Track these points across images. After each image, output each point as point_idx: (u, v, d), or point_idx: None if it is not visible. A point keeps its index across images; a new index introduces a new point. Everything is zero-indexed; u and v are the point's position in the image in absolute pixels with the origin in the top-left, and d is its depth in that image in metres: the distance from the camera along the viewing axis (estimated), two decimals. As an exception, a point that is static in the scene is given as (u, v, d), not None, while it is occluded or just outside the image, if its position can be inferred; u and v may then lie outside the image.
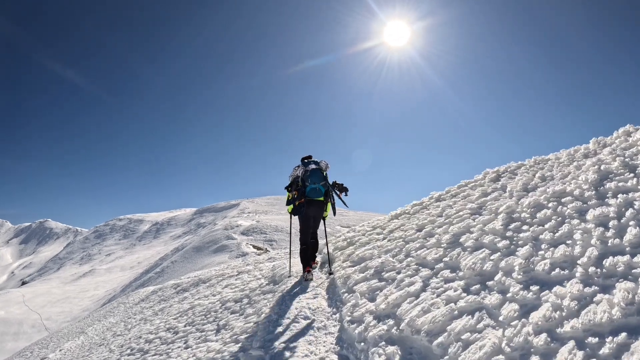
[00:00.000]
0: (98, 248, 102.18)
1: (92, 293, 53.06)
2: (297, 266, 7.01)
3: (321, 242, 7.51)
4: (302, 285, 6.02)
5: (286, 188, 6.41)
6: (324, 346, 4.10)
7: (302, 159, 6.74)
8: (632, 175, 4.87)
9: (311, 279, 6.20)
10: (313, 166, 6.45)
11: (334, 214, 6.64)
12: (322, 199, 6.36)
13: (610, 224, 4.00)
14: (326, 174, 6.57)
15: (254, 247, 17.78)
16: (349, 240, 7.20)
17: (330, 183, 6.56)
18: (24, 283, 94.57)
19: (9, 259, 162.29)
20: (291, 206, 6.39)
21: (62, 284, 64.41)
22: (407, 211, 7.47)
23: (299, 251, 6.64)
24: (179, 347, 5.28)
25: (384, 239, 6.35)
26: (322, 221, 6.74)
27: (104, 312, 12.27)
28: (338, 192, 6.58)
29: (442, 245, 5.10)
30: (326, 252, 6.79)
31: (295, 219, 6.58)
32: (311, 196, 6.20)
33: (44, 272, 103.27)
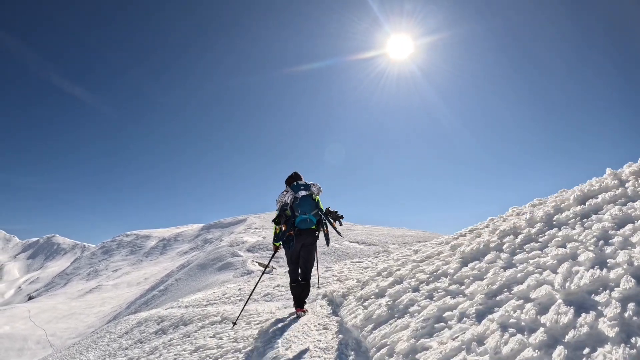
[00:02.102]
0: (105, 264, 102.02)
1: (98, 309, 52.73)
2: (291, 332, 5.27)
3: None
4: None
5: (273, 221, 5.47)
6: None
7: (289, 180, 5.89)
8: None
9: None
10: (303, 192, 5.58)
11: (327, 244, 5.70)
12: (314, 227, 5.58)
13: None
14: (318, 199, 5.72)
15: (260, 264, 17.45)
16: (388, 300, 4.09)
17: (324, 210, 5.72)
18: (30, 298, 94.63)
19: (16, 274, 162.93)
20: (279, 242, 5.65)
21: (68, 300, 64.16)
22: (492, 244, 4.15)
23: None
24: None
25: (477, 315, 3.01)
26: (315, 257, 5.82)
27: (89, 341, 12.16)
28: (332, 221, 5.69)
29: None
30: (345, 324, 4.42)
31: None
32: (301, 227, 5.43)
33: (50, 288, 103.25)
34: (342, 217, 5.72)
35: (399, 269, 5.22)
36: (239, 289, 11.34)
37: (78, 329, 43.33)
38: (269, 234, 30.83)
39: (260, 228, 39.85)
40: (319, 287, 6.69)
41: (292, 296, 5.85)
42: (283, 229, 5.33)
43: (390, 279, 4.87)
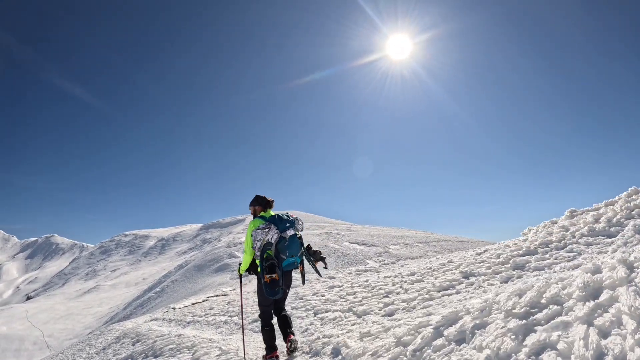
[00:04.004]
0: (103, 264, 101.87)
1: (95, 310, 52.50)
2: None
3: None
4: None
5: (263, 271, 4.43)
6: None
7: (262, 205, 4.83)
8: None
9: None
10: (291, 232, 4.63)
11: (303, 282, 4.88)
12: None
13: None
14: (301, 236, 4.87)
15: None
16: None
17: (305, 247, 4.91)
18: (28, 298, 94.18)
19: (14, 274, 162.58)
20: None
21: (66, 300, 63.90)
22: None
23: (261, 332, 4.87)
24: None
25: None
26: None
27: (70, 353, 11.84)
28: (313, 261, 4.95)
29: None
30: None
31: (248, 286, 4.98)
32: (286, 269, 4.62)
33: (49, 288, 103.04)
34: (325, 258, 5.02)
35: (486, 331, 3.00)
36: (228, 303, 10.33)
37: (75, 330, 43.03)
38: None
39: (259, 228, 39.42)
40: (316, 322, 5.51)
41: (265, 342, 4.82)
42: (276, 279, 4.36)
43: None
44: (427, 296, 5.53)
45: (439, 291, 5.58)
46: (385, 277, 8.40)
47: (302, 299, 8.31)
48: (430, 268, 7.72)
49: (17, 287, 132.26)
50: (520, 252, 5.80)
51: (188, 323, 9.66)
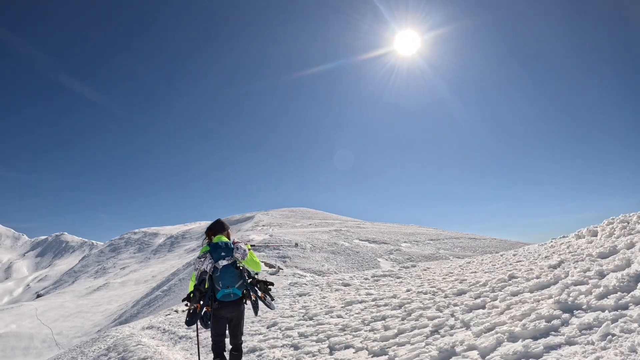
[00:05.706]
0: (113, 261, 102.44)
1: (105, 307, 52.63)
2: None
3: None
4: None
5: (186, 299, 4.37)
6: None
7: (210, 232, 4.72)
8: None
9: None
10: (224, 262, 4.36)
11: (255, 314, 4.70)
12: (239, 298, 4.50)
13: None
14: (243, 266, 4.53)
15: (266, 264, 16.60)
16: None
17: (251, 278, 4.62)
18: (38, 296, 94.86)
19: (24, 272, 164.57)
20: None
21: (76, 298, 64.18)
22: None
23: None
24: None
25: None
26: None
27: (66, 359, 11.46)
28: (260, 294, 4.66)
29: None
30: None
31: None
32: (224, 300, 4.33)
33: (59, 285, 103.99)
34: (270, 288, 4.69)
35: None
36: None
37: (84, 328, 43.04)
38: (277, 231, 30.11)
39: (267, 225, 39.37)
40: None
41: None
42: (197, 309, 4.19)
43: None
44: (519, 348, 3.32)
45: (535, 338, 3.46)
46: (419, 293, 6.50)
47: (312, 319, 6.81)
48: (485, 285, 5.70)
49: (27, 285, 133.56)
50: (638, 269, 3.83)
51: (180, 338, 8.59)
